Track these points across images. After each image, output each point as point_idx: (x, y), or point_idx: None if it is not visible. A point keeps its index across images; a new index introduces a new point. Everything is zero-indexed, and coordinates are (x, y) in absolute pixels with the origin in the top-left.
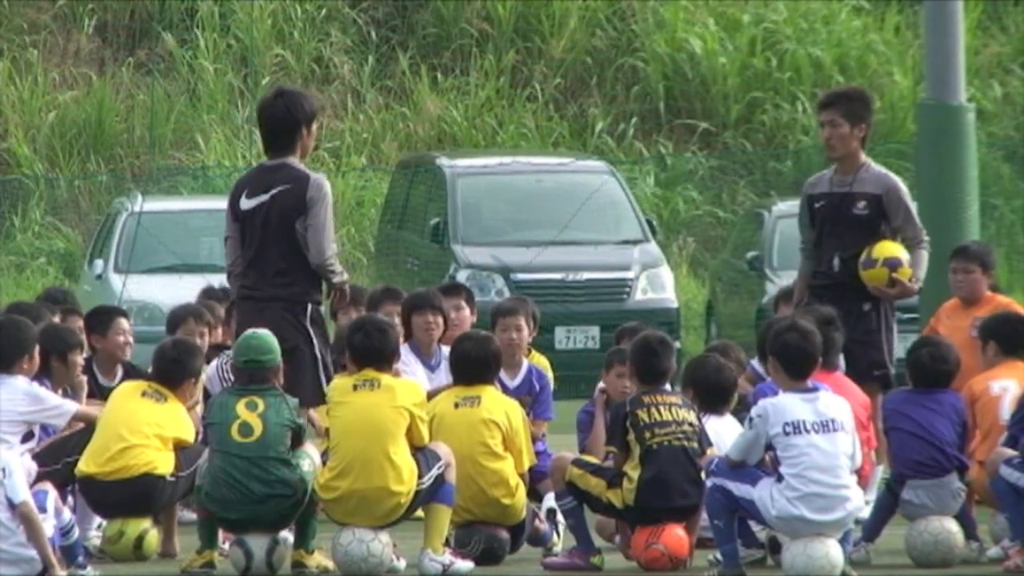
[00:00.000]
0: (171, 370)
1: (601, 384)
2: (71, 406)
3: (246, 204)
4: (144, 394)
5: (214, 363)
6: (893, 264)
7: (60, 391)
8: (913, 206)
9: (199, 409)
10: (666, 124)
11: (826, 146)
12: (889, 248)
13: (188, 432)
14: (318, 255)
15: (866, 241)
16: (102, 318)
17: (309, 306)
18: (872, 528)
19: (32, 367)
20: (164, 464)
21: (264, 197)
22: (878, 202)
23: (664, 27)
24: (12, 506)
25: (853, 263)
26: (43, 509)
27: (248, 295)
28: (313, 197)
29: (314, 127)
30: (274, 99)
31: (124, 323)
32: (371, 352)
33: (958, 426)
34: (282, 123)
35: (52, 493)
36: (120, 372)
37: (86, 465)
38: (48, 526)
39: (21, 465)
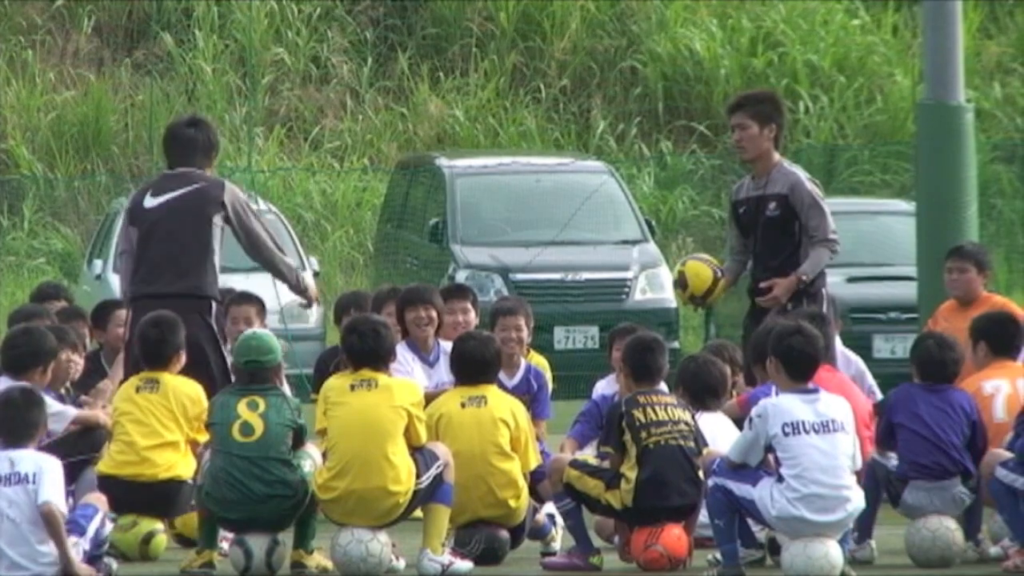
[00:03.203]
0: (158, 351)
1: (599, 382)
2: (70, 411)
3: (151, 202)
4: (138, 390)
5: None
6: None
7: (63, 390)
8: (823, 202)
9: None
10: (666, 124)
11: (737, 149)
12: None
13: (199, 405)
14: (288, 275)
15: (784, 242)
16: (103, 312)
17: (212, 303)
18: (867, 523)
19: (45, 380)
20: (186, 468)
21: (172, 194)
22: (785, 201)
23: (665, 28)
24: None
25: (768, 267)
26: (82, 528)
27: (148, 292)
28: (229, 201)
29: (215, 161)
30: (188, 125)
31: (124, 315)
32: (366, 352)
33: (967, 427)
34: (193, 147)
35: (100, 513)
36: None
37: (106, 467)
38: (78, 549)
39: (58, 469)
